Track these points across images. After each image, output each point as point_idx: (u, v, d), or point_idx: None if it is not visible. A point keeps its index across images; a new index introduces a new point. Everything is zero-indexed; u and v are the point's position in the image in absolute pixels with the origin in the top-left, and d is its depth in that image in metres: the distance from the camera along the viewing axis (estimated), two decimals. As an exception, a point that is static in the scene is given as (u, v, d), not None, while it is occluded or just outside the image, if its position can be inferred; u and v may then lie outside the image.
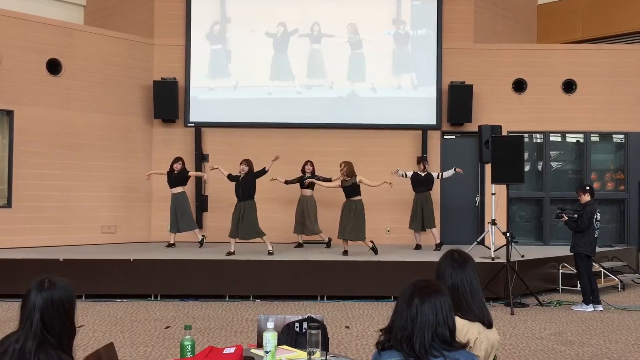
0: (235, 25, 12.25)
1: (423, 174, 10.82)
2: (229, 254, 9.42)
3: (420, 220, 10.69)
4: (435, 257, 4.72)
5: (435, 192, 12.05)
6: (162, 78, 11.87)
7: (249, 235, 9.63)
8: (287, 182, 10.79)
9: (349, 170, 9.82)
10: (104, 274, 8.94)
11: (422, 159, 11.06)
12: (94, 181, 11.28)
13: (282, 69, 12.21)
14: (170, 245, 10.59)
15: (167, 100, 11.79)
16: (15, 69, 10.53)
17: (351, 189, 9.82)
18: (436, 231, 10.88)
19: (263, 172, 9.86)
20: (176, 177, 10.63)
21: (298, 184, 10.86)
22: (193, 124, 12.05)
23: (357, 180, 9.80)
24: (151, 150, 12.01)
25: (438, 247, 10.67)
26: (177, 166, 10.62)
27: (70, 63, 11.10)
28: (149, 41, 12.13)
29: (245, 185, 9.67)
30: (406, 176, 10.75)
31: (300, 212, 10.81)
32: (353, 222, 9.73)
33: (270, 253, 9.51)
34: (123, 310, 8.16)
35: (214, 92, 12.19)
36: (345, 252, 9.72)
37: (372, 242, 9.74)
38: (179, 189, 10.63)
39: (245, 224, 9.57)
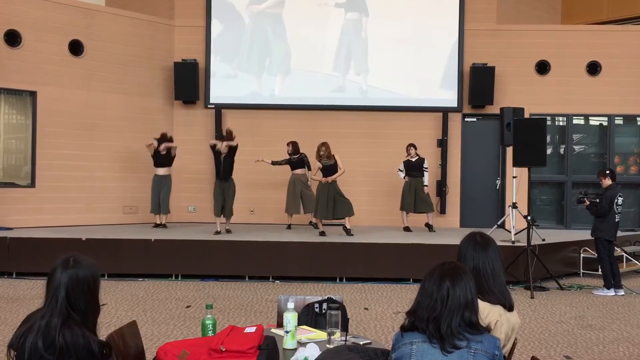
0: (255, 6, 12.21)
1: (414, 159, 10.78)
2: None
3: (413, 202, 10.69)
4: (454, 239, 4.72)
5: (456, 175, 12.02)
6: (182, 59, 11.89)
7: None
8: (273, 163, 10.89)
9: (329, 151, 9.89)
10: (125, 253, 9.05)
11: (410, 145, 10.93)
12: (116, 162, 11.40)
13: (302, 51, 12.16)
14: (158, 225, 10.75)
15: (188, 82, 11.82)
16: (38, 50, 10.62)
17: (333, 168, 9.87)
18: (432, 215, 10.95)
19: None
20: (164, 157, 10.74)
21: (288, 165, 10.93)
22: (213, 105, 12.08)
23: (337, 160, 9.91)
24: (172, 132, 12.03)
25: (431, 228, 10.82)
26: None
27: (91, 44, 11.16)
28: (169, 22, 12.14)
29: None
30: (404, 173, 10.79)
31: (294, 192, 10.83)
32: (341, 199, 9.81)
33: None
34: (145, 290, 8.27)
35: (234, 74, 12.19)
36: (323, 233, 9.81)
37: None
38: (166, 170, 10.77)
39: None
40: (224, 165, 9.88)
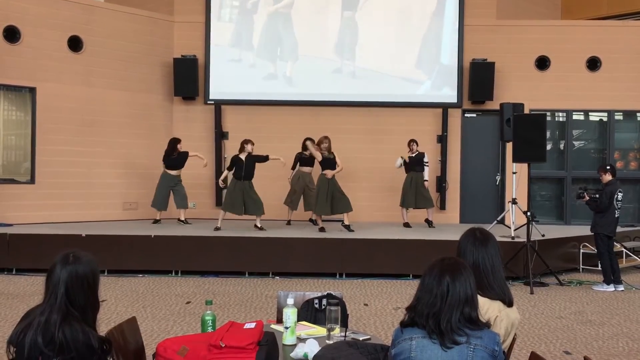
0: (254, 2, 12.17)
1: (414, 154, 10.79)
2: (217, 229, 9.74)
3: (413, 198, 10.69)
4: (454, 235, 4.71)
5: (456, 171, 12.02)
6: (182, 55, 11.88)
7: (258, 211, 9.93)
8: (293, 168, 10.96)
9: (330, 146, 9.93)
10: (125, 249, 9.05)
11: (412, 141, 10.90)
12: (116, 158, 11.39)
13: (301, 46, 12.13)
14: (157, 221, 10.75)
15: (187, 78, 11.81)
16: (37, 46, 10.60)
17: (332, 163, 9.88)
18: (432, 211, 10.95)
19: (264, 159, 9.99)
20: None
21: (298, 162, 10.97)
22: (213, 102, 12.07)
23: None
24: (172, 128, 12.06)
25: (431, 224, 10.84)
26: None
27: (91, 40, 11.14)
28: (169, 18, 12.12)
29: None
30: (402, 162, 10.81)
31: (297, 187, 10.82)
32: (339, 195, 9.83)
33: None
34: (145, 286, 8.27)
35: (233, 70, 12.17)
36: (323, 229, 9.80)
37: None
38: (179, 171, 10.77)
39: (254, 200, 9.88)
40: (246, 165, 9.82)
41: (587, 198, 8.68)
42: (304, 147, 10.78)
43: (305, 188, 10.76)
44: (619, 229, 9.03)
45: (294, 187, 10.86)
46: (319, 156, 9.81)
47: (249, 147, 9.87)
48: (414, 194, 10.68)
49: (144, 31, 11.78)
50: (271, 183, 11.05)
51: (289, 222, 10.98)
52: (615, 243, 9.02)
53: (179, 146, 10.59)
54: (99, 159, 11.21)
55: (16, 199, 10.37)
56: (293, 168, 10.96)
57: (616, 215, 8.55)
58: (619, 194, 8.55)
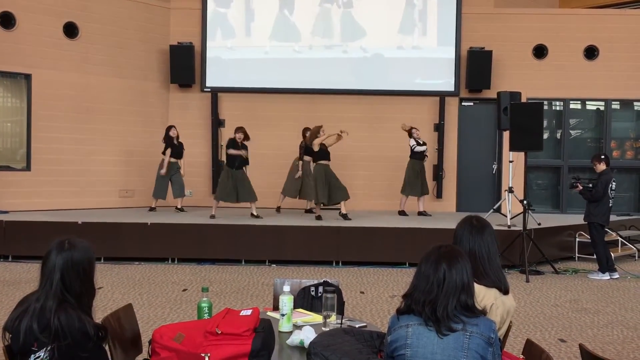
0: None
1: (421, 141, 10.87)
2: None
3: (420, 186, 10.71)
4: (450, 223, 4.68)
5: (452, 159, 12.03)
6: (178, 42, 11.81)
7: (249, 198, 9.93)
8: (301, 159, 10.89)
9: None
10: (121, 237, 9.04)
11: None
12: (112, 145, 11.35)
13: (299, 34, 12.07)
14: (152, 209, 10.76)
15: (184, 65, 11.75)
16: (33, 33, 10.52)
17: (325, 153, 9.96)
18: (423, 200, 10.96)
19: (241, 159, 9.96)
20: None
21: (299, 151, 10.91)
22: (209, 89, 12.02)
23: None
24: (168, 115, 12.02)
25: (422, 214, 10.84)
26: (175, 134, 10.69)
27: (86, 26, 11.07)
28: (165, 4, 12.05)
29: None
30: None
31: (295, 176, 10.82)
32: (337, 183, 9.87)
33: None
34: (141, 273, 8.27)
35: (230, 57, 12.12)
36: (319, 217, 9.83)
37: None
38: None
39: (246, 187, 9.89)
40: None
41: (580, 188, 8.67)
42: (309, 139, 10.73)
43: (304, 177, 10.74)
44: (614, 218, 9.05)
45: (292, 176, 10.81)
46: (316, 147, 9.82)
47: (239, 136, 9.84)
48: (420, 182, 10.68)
49: (140, 18, 11.71)
50: (266, 171, 11.04)
51: (278, 209, 10.95)
52: (610, 232, 9.03)
53: (171, 133, 10.56)
54: (95, 146, 11.17)
55: (12, 186, 10.34)
56: (301, 159, 10.86)
57: (610, 205, 8.57)
58: (613, 183, 8.55)
